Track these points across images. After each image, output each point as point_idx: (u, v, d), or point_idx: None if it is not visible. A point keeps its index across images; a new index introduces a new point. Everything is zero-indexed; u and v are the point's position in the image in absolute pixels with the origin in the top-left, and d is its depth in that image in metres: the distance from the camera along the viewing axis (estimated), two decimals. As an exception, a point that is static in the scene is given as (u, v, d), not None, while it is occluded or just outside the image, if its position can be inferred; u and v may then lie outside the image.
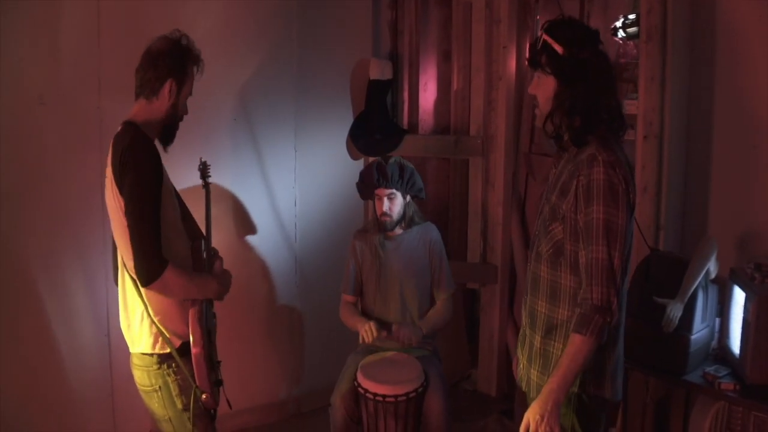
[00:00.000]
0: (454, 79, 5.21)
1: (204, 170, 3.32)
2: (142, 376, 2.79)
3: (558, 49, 2.38)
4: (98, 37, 3.71)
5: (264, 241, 4.51)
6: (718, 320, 3.36)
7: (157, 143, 2.79)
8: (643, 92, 3.71)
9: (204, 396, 2.74)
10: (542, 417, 2.30)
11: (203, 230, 3.06)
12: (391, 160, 3.85)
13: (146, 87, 2.74)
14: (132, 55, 3.68)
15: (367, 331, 3.67)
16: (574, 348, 2.30)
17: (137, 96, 2.77)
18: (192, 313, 2.71)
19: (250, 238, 4.44)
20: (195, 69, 2.83)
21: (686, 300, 3.08)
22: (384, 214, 3.83)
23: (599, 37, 2.46)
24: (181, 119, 2.86)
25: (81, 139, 3.71)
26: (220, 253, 3.13)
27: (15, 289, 3.60)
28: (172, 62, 2.73)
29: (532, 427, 2.31)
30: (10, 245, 3.57)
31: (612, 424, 3.37)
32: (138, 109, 2.76)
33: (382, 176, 3.78)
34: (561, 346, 2.44)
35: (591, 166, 2.31)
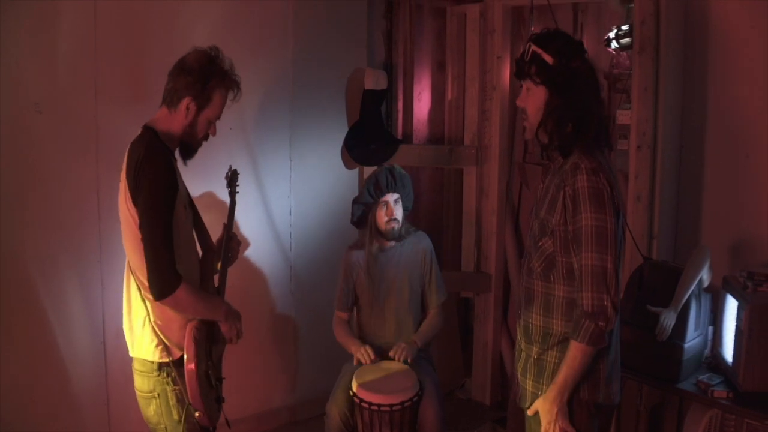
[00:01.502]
0: (449, 89, 5.24)
1: (233, 179, 3.30)
2: (142, 382, 2.78)
3: (548, 59, 2.42)
4: (94, 43, 3.71)
5: (259, 250, 4.52)
6: (711, 329, 3.37)
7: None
8: (636, 102, 3.73)
9: (197, 414, 2.73)
10: (550, 423, 2.41)
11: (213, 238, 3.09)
12: (396, 167, 3.88)
13: (168, 96, 2.72)
14: (128, 61, 3.70)
15: (363, 355, 3.69)
16: (570, 354, 2.38)
17: (162, 102, 2.76)
18: (188, 330, 2.71)
19: (246, 247, 4.44)
20: (226, 94, 2.78)
21: (679, 309, 3.09)
22: (393, 219, 3.81)
23: (584, 48, 2.51)
24: (205, 139, 2.83)
25: (77, 145, 3.71)
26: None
27: (11, 295, 3.59)
28: (193, 81, 2.68)
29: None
30: (6, 251, 3.56)
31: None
32: (160, 116, 2.75)
33: (393, 180, 3.79)
34: (556, 354, 2.48)
35: (575, 175, 2.37)
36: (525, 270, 2.62)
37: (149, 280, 2.56)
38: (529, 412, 2.53)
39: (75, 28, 3.67)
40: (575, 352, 2.36)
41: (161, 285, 2.55)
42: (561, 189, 2.41)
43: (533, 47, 2.45)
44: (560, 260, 2.44)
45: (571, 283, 2.43)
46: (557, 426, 2.40)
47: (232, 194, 3.25)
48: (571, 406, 2.44)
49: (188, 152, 2.83)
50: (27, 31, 3.54)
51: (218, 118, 2.81)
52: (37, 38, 3.58)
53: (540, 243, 2.49)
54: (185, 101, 2.68)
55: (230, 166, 3.31)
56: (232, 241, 3.11)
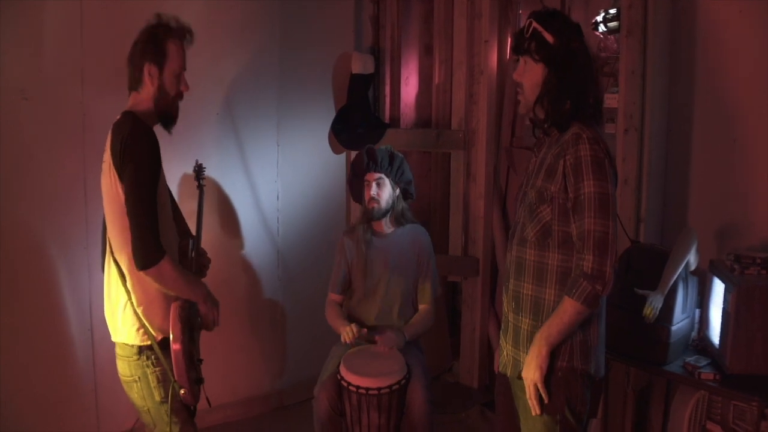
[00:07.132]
0: (436, 73, 5.23)
1: (199, 172, 3.33)
2: (123, 366, 2.80)
3: (548, 37, 2.46)
4: (81, 31, 3.69)
5: (247, 235, 4.51)
6: (698, 311, 3.39)
7: (158, 129, 2.78)
8: (623, 86, 3.73)
9: (182, 391, 2.75)
10: (528, 363, 2.45)
11: (192, 229, 3.08)
12: (382, 147, 3.87)
13: (131, 80, 2.75)
14: (115, 49, 3.66)
15: (347, 333, 3.63)
16: (561, 307, 2.42)
17: (129, 90, 2.78)
18: (173, 309, 2.71)
19: (233, 232, 4.44)
20: (178, 43, 2.78)
21: (667, 291, 3.10)
22: (372, 199, 3.79)
23: (581, 30, 2.55)
24: (179, 97, 2.82)
25: (64, 134, 3.69)
26: (204, 248, 3.14)
27: (-3, 284, 3.59)
28: (143, 47, 2.72)
29: (524, 377, 2.47)
30: (-8, 240, 3.55)
31: (593, 414, 3.40)
32: (132, 102, 2.76)
33: (371, 160, 3.77)
34: None
35: (576, 144, 2.41)
36: (516, 240, 2.63)
37: (134, 250, 2.56)
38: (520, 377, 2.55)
39: (61, 15, 3.64)
40: (567, 306, 2.39)
41: (146, 254, 2.56)
42: (561, 158, 2.44)
43: (534, 24, 2.48)
44: (556, 229, 2.47)
45: (565, 252, 2.46)
46: (534, 363, 2.43)
47: (201, 187, 3.26)
48: (566, 377, 2.47)
49: (168, 120, 2.83)
50: (13, 17, 3.51)
51: (183, 69, 2.81)
52: (24, 25, 3.55)
53: (538, 210, 2.50)
54: (145, 69, 2.71)
55: (196, 160, 3.33)
56: (202, 258, 3.13)
